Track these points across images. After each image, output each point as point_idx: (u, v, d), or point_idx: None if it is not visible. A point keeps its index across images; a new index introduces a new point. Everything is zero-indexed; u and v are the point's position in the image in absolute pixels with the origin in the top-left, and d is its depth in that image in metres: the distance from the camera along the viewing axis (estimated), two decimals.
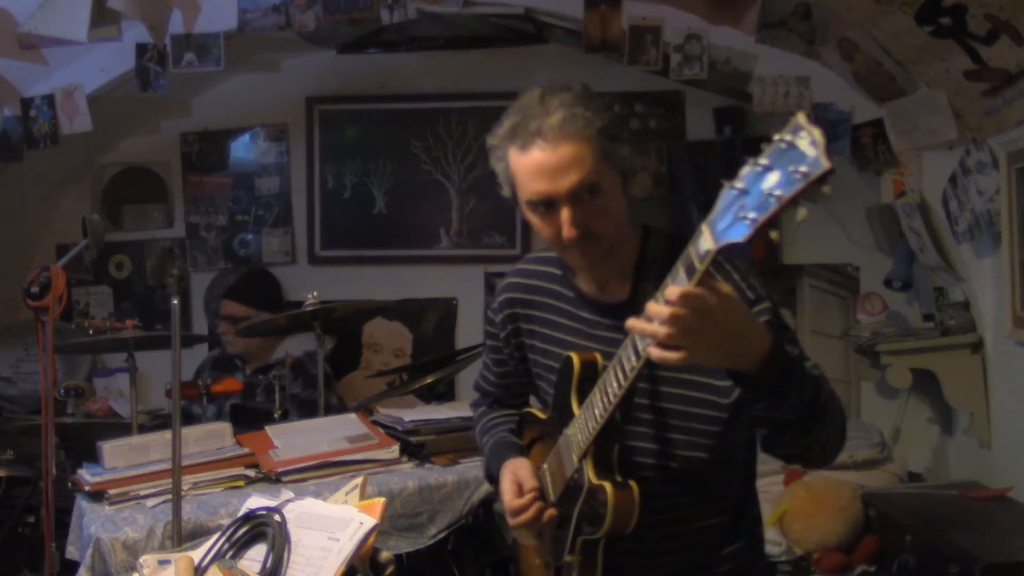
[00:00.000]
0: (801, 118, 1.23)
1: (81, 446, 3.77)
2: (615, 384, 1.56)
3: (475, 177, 4.65)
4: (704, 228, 1.34)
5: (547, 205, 1.68)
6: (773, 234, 1.31)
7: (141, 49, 3.94)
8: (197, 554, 1.83)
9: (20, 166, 4.21)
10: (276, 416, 3.41)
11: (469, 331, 4.68)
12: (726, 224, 1.31)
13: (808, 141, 1.22)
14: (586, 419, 1.67)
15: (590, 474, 1.68)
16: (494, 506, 3.01)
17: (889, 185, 3.74)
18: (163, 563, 1.80)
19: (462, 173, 4.66)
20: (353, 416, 3.21)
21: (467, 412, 3.18)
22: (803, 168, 1.22)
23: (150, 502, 2.64)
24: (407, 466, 2.98)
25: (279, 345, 4.12)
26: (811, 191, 1.23)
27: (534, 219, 1.73)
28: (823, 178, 1.21)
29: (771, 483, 3.71)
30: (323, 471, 2.86)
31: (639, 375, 1.54)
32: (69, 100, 4.00)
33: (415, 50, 4.59)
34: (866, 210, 4.28)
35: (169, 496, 2.42)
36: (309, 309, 3.48)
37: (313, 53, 4.60)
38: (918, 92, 3.43)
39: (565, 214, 1.66)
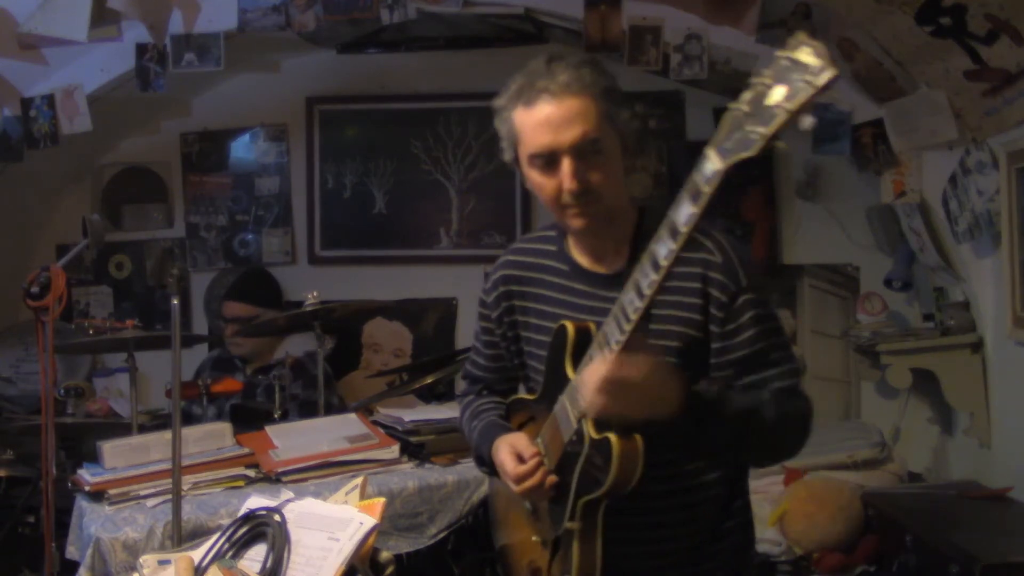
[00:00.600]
0: (802, 35, 1.29)
1: (81, 446, 3.78)
2: (618, 333, 1.58)
3: (475, 177, 4.65)
4: (710, 151, 1.39)
5: (550, 159, 1.72)
6: (781, 144, 1.34)
7: (141, 49, 3.95)
8: (197, 554, 1.82)
9: (20, 166, 4.21)
10: (276, 416, 3.41)
11: (469, 331, 4.63)
12: (732, 143, 1.36)
13: (811, 52, 1.27)
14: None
15: (590, 431, 1.69)
16: None
17: (889, 185, 3.74)
18: (163, 563, 1.80)
19: (462, 173, 4.66)
20: (353, 416, 3.21)
21: None
22: (808, 77, 1.27)
23: (150, 502, 2.64)
24: (407, 466, 2.98)
25: (279, 345, 4.12)
26: (814, 101, 1.28)
27: (535, 176, 1.76)
28: (828, 85, 1.26)
29: (771, 483, 3.71)
30: (323, 471, 2.85)
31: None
32: (69, 100, 4.00)
33: (415, 50, 4.59)
34: (866, 210, 4.28)
35: (169, 496, 2.42)
36: (309, 309, 3.48)
37: (313, 53, 4.60)
38: (918, 92, 3.43)
39: (567, 166, 1.70)
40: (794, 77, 1.27)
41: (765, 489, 3.70)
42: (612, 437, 1.65)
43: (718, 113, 4.45)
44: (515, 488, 1.83)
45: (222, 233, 4.81)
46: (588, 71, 1.71)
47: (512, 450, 1.85)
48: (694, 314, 1.73)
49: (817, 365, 4.44)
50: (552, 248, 1.91)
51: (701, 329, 1.74)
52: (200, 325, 4.82)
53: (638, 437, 1.65)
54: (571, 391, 1.72)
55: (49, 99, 4.01)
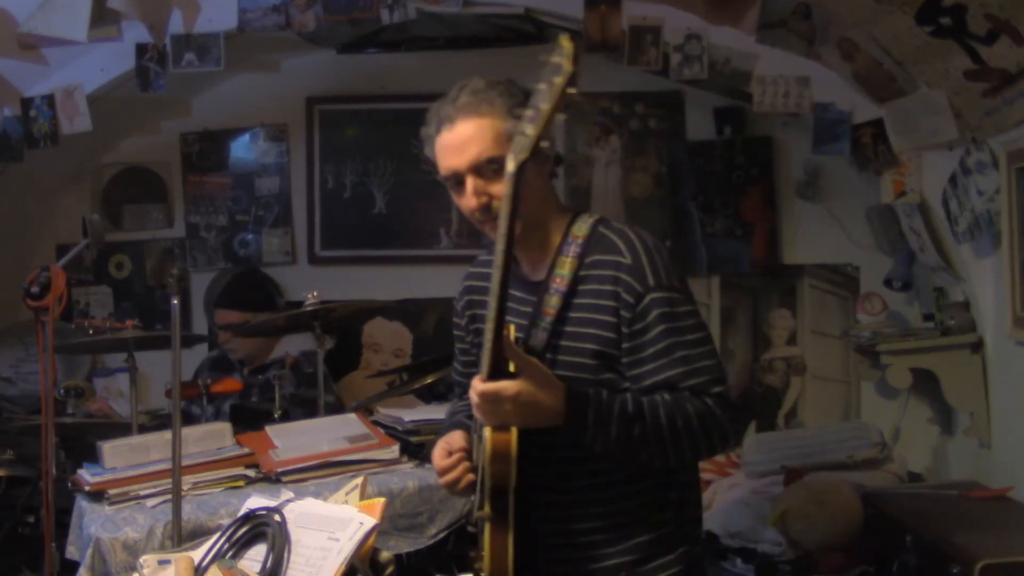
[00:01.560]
0: (562, 39, 1.51)
1: (81, 446, 3.78)
2: (490, 334, 1.68)
3: None
4: (509, 155, 1.58)
5: (457, 181, 1.86)
6: (543, 144, 1.56)
7: (141, 49, 3.94)
8: (197, 554, 1.82)
9: (20, 166, 4.21)
10: (276, 416, 3.41)
11: None
12: (518, 146, 1.55)
13: (558, 53, 1.50)
14: None
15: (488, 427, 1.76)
16: None
17: (889, 185, 3.74)
18: (163, 563, 1.80)
19: None
20: (353, 416, 3.21)
21: None
22: (556, 78, 1.49)
23: (150, 502, 2.63)
24: (407, 466, 2.98)
25: (276, 345, 4.12)
26: (563, 97, 1.50)
27: (453, 196, 1.91)
28: (571, 82, 1.48)
29: (771, 483, 3.72)
30: (323, 471, 2.85)
31: (543, 335, 1.80)
32: (69, 100, 4.00)
33: (415, 50, 4.58)
34: (866, 210, 4.28)
35: (169, 496, 2.42)
36: (309, 309, 3.48)
37: (313, 53, 4.60)
38: (918, 92, 3.43)
39: (468, 185, 1.84)
40: (548, 79, 1.49)
41: (765, 489, 3.71)
42: (487, 431, 1.73)
43: (718, 113, 4.49)
44: (440, 481, 1.92)
45: (222, 233, 4.80)
46: (489, 93, 1.83)
47: (445, 445, 1.92)
48: (607, 316, 1.79)
49: (817, 365, 4.44)
50: None
51: (614, 330, 1.79)
52: (200, 325, 4.81)
53: (512, 431, 1.71)
54: None
55: (49, 99, 4.01)
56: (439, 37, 4.46)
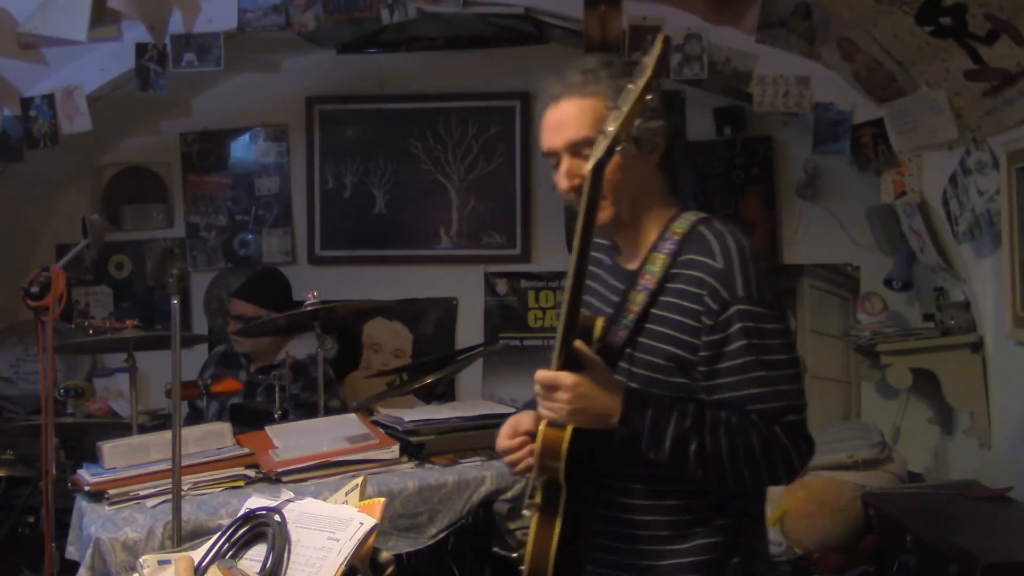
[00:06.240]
0: (659, 39, 1.58)
1: (81, 446, 3.78)
2: (559, 331, 1.67)
3: (475, 177, 4.64)
4: (590, 156, 1.63)
5: (555, 160, 1.82)
6: (643, 126, 1.66)
7: (141, 49, 3.95)
8: (197, 554, 1.82)
9: (20, 166, 4.21)
10: (276, 416, 3.41)
11: (469, 331, 4.68)
12: (598, 146, 1.60)
13: (650, 55, 1.58)
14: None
15: None
16: (494, 506, 3.01)
17: (889, 185, 3.74)
18: (163, 563, 1.80)
19: (462, 173, 4.65)
20: (353, 416, 3.21)
21: (467, 412, 3.20)
22: (640, 80, 1.55)
23: (150, 502, 2.63)
24: (407, 466, 2.98)
25: (284, 346, 4.12)
26: (642, 101, 1.57)
27: (553, 174, 1.86)
28: (648, 87, 1.56)
29: None
30: (323, 471, 2.85)
31: (624, 332, 1.76)
32: (69, 100, 4.00)
33: (415, 50, 4.59)
34: (866, 210, 4.28)
35: (169, 496, 2.42)
36: (309, 309, 3.48)
37: (313, 53, 4.60)
38: (918, 92, 3.44)
39: (563, 165, 1.80)
40: (635, 79, 1.59)
41: None
42: (542, 425, 1.72)
43: (718, 113, 4.49)
44: (504, 460, 1.90)
45: (222, 233, 4.81)
46: (599, 73, 1.77)
47: (513, 424, 1.89)
48: (688, 319, 1.72)
49: (817, 365, 4.44)
50: (607, 243, 1.95)
51: (694, 335, 1.72)
52: (200, 325, 4.82)
53: (569, 428, 1.70)
54: None
55: (49, 99, 4.01)
56: (439, 37, 4.46)
